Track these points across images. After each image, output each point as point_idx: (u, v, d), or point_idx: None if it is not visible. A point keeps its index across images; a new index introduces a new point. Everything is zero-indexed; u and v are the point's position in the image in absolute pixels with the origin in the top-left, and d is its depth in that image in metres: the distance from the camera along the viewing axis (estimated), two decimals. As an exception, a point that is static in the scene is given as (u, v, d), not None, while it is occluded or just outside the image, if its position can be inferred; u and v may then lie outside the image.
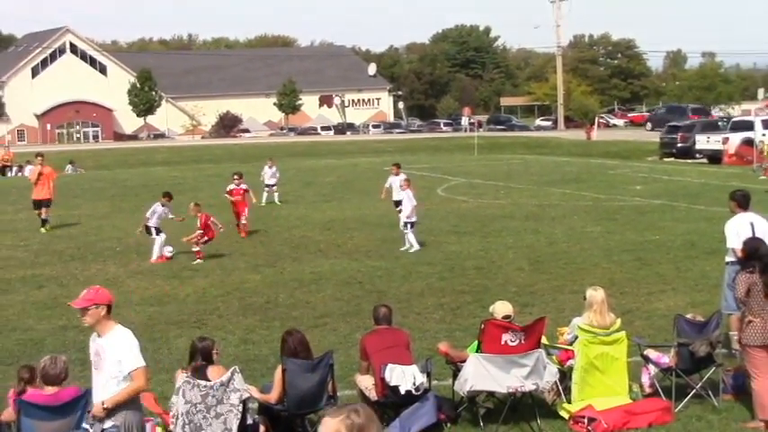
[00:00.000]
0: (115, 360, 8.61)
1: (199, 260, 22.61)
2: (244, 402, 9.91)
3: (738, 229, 12.96)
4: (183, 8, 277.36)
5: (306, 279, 20.11)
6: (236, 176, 27.97)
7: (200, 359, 10.19)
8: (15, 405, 9.40)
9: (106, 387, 8.66)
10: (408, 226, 23.57)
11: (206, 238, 23.05)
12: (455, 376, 11.29)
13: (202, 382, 9.80)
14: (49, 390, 9.40)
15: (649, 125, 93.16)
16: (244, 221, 26.81)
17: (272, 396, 10.58)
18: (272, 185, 35.73)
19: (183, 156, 75.97)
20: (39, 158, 29.92)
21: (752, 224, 13.06)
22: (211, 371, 10.06)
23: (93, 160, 73.44)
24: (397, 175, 27.19)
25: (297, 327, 12.44)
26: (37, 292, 19.49)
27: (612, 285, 18.12)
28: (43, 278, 21.04)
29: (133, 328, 15.67)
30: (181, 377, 9.93)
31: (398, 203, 25.80)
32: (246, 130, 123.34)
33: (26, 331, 16.19)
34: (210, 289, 19.34)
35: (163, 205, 24.26)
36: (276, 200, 35.27)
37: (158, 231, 23.58)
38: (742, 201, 13.49)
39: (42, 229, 28.28)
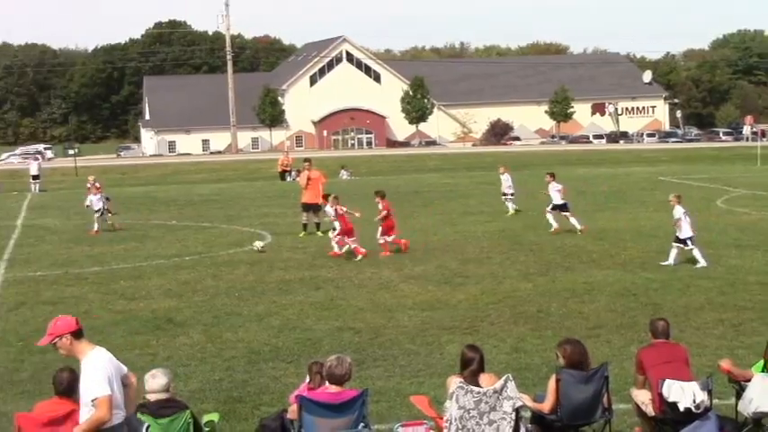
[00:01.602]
0: (84, 387, 8.48)
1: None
2: (517, 411, 9.82)
3: None
4: (456, 17, 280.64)
5: (578, 289, 19.78)
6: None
7: (473, 365, 10.17)
8: (297, 401, 9.68)
9: (82, 414, 8.54)
10: (688, 242, 22.54)
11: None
12: (738, 396, 10.76)
13: (475, 389, 9.77)
14: (333, 388, 9.65)
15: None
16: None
17: (546, 406, 10.43)
18: (511, 194, 35.11)
19: (454, 163, 76.90)
20: (306, 164, 30.96)
21: None
22: (484, 378, 10.02)
23: (366, 166, 75.53)
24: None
25: (574, 337, 12.21)
26: (315, 293, 20.12)
27: None
28: (320, 280, 21.71)
29: (406, 331, 16.18)
30: (454, 382, 9.94)
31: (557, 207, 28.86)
32: (517, 138, 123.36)
33: (305, 331, 16.73)
34: (482, 296, 19.35)
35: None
36: (511, 209, 34.71)
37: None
38: None
39: (319, 233, 29.19)
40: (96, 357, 8.59)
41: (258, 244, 26.46)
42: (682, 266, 22.20)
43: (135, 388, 9.09)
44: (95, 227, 31.21)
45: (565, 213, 29.17)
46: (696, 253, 22.42)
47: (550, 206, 29.51)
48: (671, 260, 22.54)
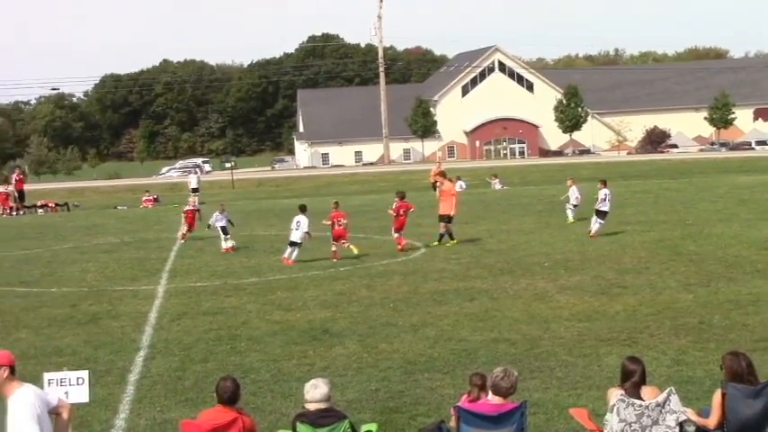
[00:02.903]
0: (11, 426, 8.23)
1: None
2: (681, 425, 9.55)
3: None
4: (610, 24, 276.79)
5: (742, 300, 19.12)
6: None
7: (635, 377, 9.93)
8: (456, 412, 9.63)
9: None
10: None
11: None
12: None
13: (637, 402, 9.56)
14: (496, 400, 9.58)
15: None
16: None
17: (711, 421, 10.09)
18: (575, 206, 35.54)
19: (608, 171, 75.52)
20: (446, 177, 31.19)
21: None
22: (646, 390, 9.79)
23: (519, 176, 75.08)
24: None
25: (739, 350, 11.80)
26: (469, 304, 20.02)
27: None
28: (475, 291, 21.60)
29: (563, 342, 15.93)
30: (615, 395, 9.73)
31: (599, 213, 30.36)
32: (674, 146, 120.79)
33: (460, 341, 16.65)
34: (641, 307, 18.91)
35: None
36: (571, 217, 35.17)
37: None
38: None
39: (449, 243, 29.45)
40: (24, 395, 8.39)
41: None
42: None
43: (70, 417, 8.88)
44: (227, 244, 31.36)
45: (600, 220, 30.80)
46: None
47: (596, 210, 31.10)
48: None
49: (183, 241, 33.65)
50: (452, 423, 9.95)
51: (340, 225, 28.07)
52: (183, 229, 34.45)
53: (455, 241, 29.66)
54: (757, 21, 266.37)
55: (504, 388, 9.58)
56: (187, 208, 35.18)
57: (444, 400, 12.61)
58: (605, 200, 31.24)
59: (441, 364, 15.14)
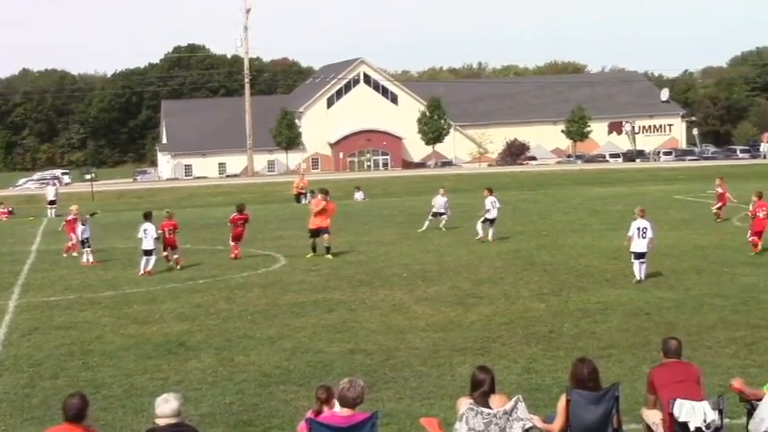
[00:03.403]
0: None
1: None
2: (527, 432, 9.78)
3: None
4: (473, 37, 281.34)
5: (591, 309, 19.72)
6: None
7: (484, 387, 10.12)
8: (307, 425, 9.65)
9: None
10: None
11: None
12: (750, 415, 10.68)
13: (486, 410, 9.74)
14: (344, 412, 9.62)
15: None
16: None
17: (556, 426, 10.36)
18: (442, 214, 36.88)
19: (469, 183, 76.72)
20: (323, 194, 30.91)
21: None
22: (494, 399, 9.98)
23: (381, 188, 75.56)
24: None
25: (586, 356, 12.14)
26: (327, 316, 20.11)
27: None
28: (333, 302, 21.69)
29: (418, 353, 16.15)
30: (464, 404, 9.90)
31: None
32: (533, 158, 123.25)
33: (317, 353, 16.71)
34: (495, 317, 19.30)
35: None
36: (442, 226, 36.45)
37: None
38: None
39: (308, 255, 29.44)
40: None
41: None
42: (696, 285, 22.14)
43: None
44: (87, 258, 30.31)
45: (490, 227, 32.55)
46: (644, 267, 23.00)
47: (482, 218, 32.72)
48: (638, 276, 22.96)
49: (66, 255, 32.27)
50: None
51: (170, 234, 28.46)
52: (69, 242, 32.90)
53: (315, 254, 29.59)
54: (614, 37, 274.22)
55: (350, 398, 9.63)
56: (69, 218, 33.47)
57: (298, 412, 12.64)
58: (492, 208, 32.56)
59: (296, 376, 15.17)
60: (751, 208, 28.30)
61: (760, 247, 27.11)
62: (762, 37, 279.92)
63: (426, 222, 36.89)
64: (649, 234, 23.29)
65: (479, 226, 32.69)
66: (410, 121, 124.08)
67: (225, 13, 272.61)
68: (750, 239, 27.58)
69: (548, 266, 26.11)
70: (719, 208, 37.63)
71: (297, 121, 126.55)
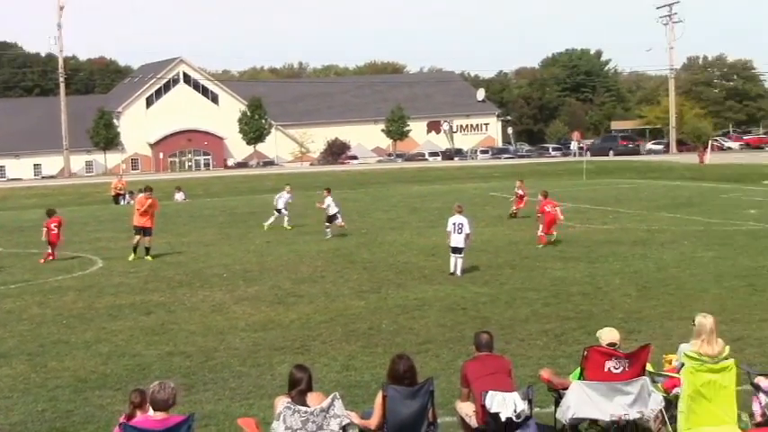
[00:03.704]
0: None
1: None
2: (344, 429, 9.87)
3: None
4: (294, 37, 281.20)
5: (409, 305, 20.05)
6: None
7: (301, 385, 10.17)
8: (120, 430, 9.49)
9: None
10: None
11: None
12: (557, 404, 11.10)
13: (302, 408, 9.79)
14: (158, 415, 9.48)
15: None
16: None
17: (372, 422, 10.50)
18: (284, 210, 37.38)
19: (291, 183, 76.70)
20: (148, 192, 30.41)
21: None
22: (312, 397, 10.04)
23: (203, 188, 74.79)
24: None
25: (404, 352, 12.35)
26: (145, 318, 19.80)
27: (723, 312, 17.67)
28: (152, 304, 21.38)
29: (238, 353, 16.08)
30: (281, 402, 9.93)
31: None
32: (354, 157, 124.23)
33: (134, 357, 16.44)
34: (314, 315, 19.41)
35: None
36: (286, 224, 36.86)
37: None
38: None
39: (130, 257, 28.89)
40: None
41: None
42: (509, 280, 22.78)
43: None
44: None
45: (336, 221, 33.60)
46: (460, 262, 23.83)
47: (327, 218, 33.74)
48: (452, 269, 23.82)
49: None
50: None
51: None
52: None
53: (136, 256, 29.03)
54: (431, 39, 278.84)
55: (161, 401, 9.51)
56: None
57: (114, 417, 12.38)
58: (330, 206, 33.46)
59: (113, 380, 14.88)
60: (538, 207, 30.08)
61: (548, 239, 28.84)
62: (571, 39, 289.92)
63: (272, 218, 37.13)
64: (465, 230, 23.94)
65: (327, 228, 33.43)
66: (231, 121, 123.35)
67: (38, 10, 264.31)
68: (540, 234, 29.01)
69: (367, 264, 26.41)
70: (517, 208, 38.65)
71: (115, 120, 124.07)
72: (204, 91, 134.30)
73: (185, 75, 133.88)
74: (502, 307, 19.48)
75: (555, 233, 29.43)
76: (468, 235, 24.00)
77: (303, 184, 73.45)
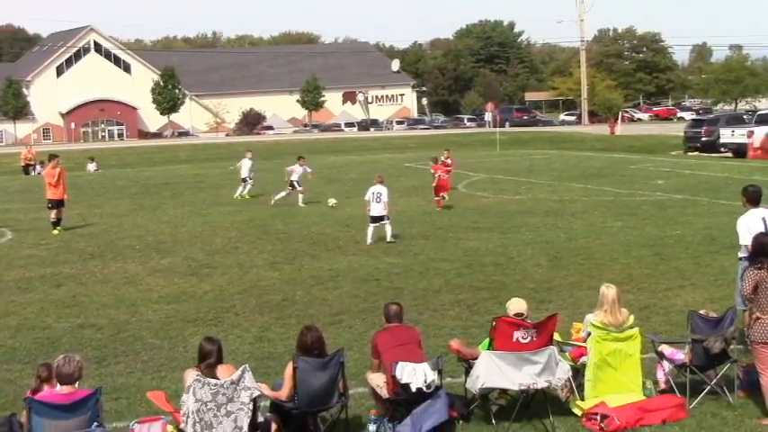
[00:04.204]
0: None
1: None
2: (254, 400, 9.88)
3: (750, 225, 12.84)
4: (208, 6, 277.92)
5: (323, 276, 20.10)
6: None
7: (211, 358, 10.15)
8: (26, 404, 9.39)
9: None
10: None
11: None
12: (467, 374, 11.25)
13: (212, 381, 9.77)
14: (64, 389, 9.39)
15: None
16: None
17: (283, 393, 10.55)
18: (248, 179, 37.55)
19: (206, 153, 76.23)
20: (56, 160, 29.65)
21: (764, 220, 12.96)
22: (222, 369, 10.03)
23: (116, 158, 73.86)
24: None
25: (313, 324, 12.39)
26: (56, 291, 19.56)
27: (630, 281, 18.05)
28: (62, 276, 21.12)
29: (150, 325, 15.98)
30: (191, 375, 9.91)
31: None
32: (270, 128, 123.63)
33: (44, 330, 16.24)
34: (228, 287, 19.35)
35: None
36: (246, 193, 37.08)
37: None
38: (753, 196, 13.38)
39: (55, 231, 28.32)
40: None
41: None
42: (423, 251, 22.94)
43: None
44: None
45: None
46: (389, 229, 24.39)
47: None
48: (369, 240, 24.17)
49: None
50: (23, 417, 9.73)
51: None
52: None
53: (63, 228, 28.47)
54: (346, 9, 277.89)
55: (65, 375, 9.43)
56: None
57: (23, 391, 12.21)
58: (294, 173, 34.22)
59: (22, 354, 14.70)
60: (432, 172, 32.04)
61: (444, 203, 30.83)
62: (484, 11, 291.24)
63: (240, 188, 37.35)
64: (384, 198, 24.31)
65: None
66: (144, 91, 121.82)
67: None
68: (436, 199, 31.12)
69: (281, 235, 26.38)
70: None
71: (24, 90, 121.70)
72: (116, 60, 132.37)
73: (96, 43, 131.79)
74: (415, 278, 19.62)
75: (446, 196, 31.43)
76: (386, 203, 24.35)
77: (218, 154, 73.01)
